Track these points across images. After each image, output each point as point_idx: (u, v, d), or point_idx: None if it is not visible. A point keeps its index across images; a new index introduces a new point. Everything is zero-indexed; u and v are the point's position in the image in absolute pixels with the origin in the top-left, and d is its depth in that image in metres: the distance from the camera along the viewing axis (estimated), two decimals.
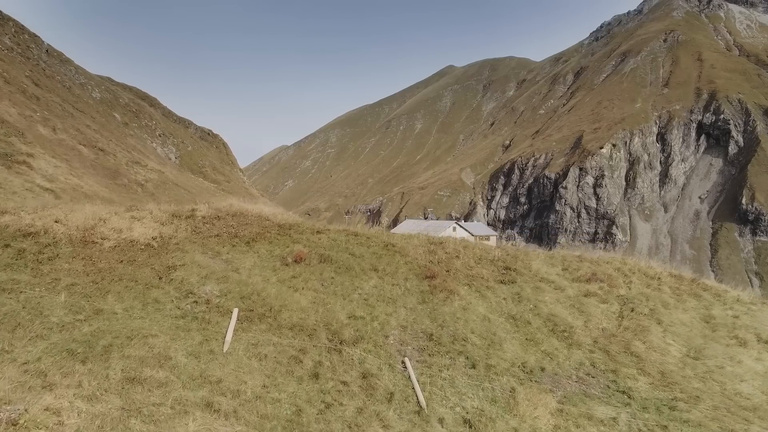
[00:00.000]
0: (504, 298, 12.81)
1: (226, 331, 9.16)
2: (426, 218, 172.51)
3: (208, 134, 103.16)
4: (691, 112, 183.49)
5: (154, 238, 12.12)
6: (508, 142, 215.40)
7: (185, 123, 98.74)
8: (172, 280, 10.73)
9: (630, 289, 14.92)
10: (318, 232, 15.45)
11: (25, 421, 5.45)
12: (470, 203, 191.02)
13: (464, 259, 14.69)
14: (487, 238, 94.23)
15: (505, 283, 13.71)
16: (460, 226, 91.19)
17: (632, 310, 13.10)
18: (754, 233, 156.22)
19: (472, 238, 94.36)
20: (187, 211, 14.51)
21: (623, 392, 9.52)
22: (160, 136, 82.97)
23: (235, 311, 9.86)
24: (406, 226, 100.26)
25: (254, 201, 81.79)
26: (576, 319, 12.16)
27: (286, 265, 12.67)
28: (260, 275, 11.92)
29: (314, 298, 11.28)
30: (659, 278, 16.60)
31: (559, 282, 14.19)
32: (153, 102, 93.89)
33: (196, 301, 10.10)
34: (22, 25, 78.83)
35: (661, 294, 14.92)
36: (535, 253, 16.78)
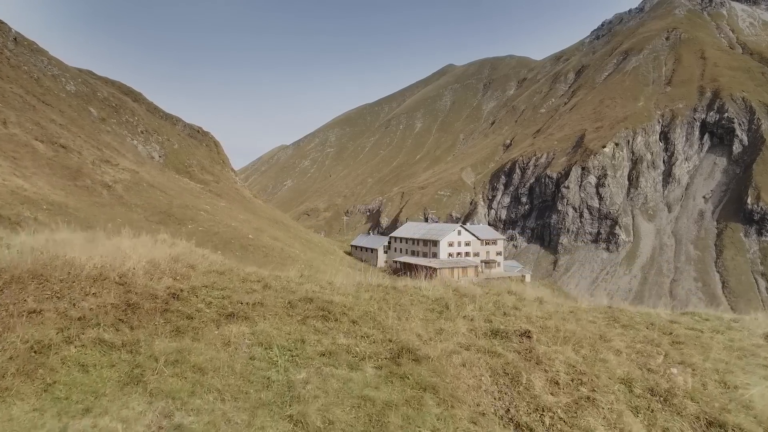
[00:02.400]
0: None
1: None
2: (426, 220, 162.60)
3: (198, 132, 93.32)
4: (695, 110, 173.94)
5: None
6: (508, 141, 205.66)
7: (173, 120, 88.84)
8: None
9: None
10: (231, 316, 5.65)
11: None
12: (471, 203, 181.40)
13: (603, 402, 5.07)
14: (494, 241, 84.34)
15: None
16: (465, 229, 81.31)
17: None
18: (759, 233, 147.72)
19: (477, 242, 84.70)
20: None
21: None
22: (142, 133, 73.21)
23: None
24: (406, 229, 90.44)
25: (246, 202, 70.80)
26: None
27: None
28: None
29: None
30: None
31: None
32: (137, 97, 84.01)
33: None
34: None
35: None
36: (715, 342, 7.18)
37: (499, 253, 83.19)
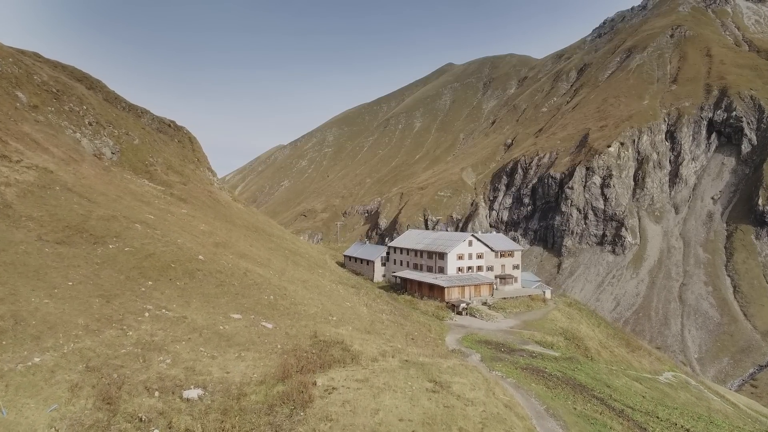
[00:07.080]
0: None
1: None
2: (427, 222, 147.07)
3: (170, 126, 76.98)
4: (702, 109, 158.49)
5: None
6: (510, 140, 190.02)
7: (137, 111, 72.40)
8: None
9: None
10: None
11: None
12: (472, 204, 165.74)
13: None
14: (511, 253, 68.57)
15: None
16: (477, 239, 65.50)
17: None
18: None
19: (491, 254, 69.12)
20: None
21: None
22: (90, 125, 56.69)
23: None
24: (408, 238, 74.55)
25: (219, 207, 51.21)
26: None
27: None
28: None
29: None
30: None
31: None
32: (93, 84, 67.43)
33: None
34: None
35: None
36: None
37: (516, 267, 67.50)
